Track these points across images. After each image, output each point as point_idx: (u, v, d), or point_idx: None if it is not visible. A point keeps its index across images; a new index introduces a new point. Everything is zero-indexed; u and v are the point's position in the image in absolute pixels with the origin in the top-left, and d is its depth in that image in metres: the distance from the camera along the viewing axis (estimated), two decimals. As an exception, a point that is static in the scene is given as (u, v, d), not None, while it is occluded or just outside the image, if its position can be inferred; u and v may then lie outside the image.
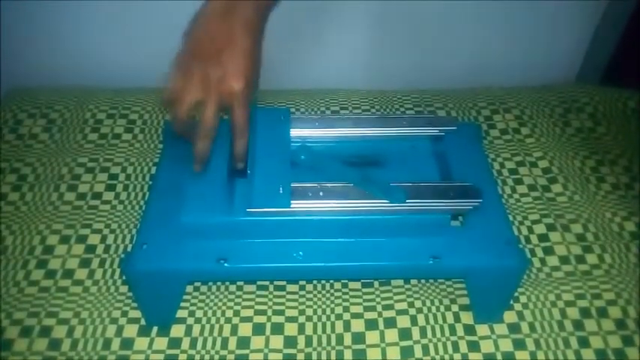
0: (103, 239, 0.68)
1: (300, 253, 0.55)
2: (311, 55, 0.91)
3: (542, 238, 0.70)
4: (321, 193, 0.56)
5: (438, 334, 0.60)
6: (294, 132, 0.63)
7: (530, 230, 0.70)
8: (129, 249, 0.67)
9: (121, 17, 0.87)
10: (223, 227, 0.55)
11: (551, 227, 0.70)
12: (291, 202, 0.54)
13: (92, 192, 0.73)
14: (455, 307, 0.63)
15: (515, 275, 0.57)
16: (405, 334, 0.60)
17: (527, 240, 0.70)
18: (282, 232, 0.55)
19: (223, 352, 0.59)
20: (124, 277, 0.63)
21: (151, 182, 0.74)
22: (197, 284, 0.64)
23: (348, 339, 0.60)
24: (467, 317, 0.62)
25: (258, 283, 0.64)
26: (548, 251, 0.68)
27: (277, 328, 0.61)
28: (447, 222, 0.57)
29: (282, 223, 0.55)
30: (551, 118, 0.86)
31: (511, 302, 0.63)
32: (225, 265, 0.54)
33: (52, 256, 0.66)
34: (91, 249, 0.67)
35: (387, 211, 0.56)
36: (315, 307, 0.63)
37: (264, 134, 0.61)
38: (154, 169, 0.76)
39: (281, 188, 0.55)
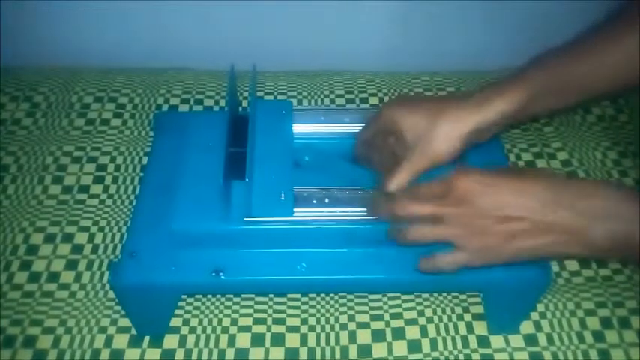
0: (91, 238, 0.63)
1: (304, 264, 0.51)
2: (314, 36, 0.85)
3: (561, 239, 0.65)
4: (326, 200, 0.51)
5: (450, 347, 0.57)
6: (298, 127, 0.57)
7: (548, 230, 0.66)
8: (118, 249, 0.63)
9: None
10: (219, 236, 0.50)
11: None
12: (294, 210, 0.50)
13: (79, 185, 0.68)
14: (468, 317, 0.59)
15: (536, 290, 0.53)
16: (414, 346, 0.57)
17: (545, 241, 0.65)
18: (283, 241, 0.51)
19: (220, 365, 0.55)
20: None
21: (141, 175, 0.69)
22: (192, 289, 0.60)
23: (353, 351, 0.56)
24: (480, 327, 0.58)
25: (258, 289, 0.60)
26: (568, 254, 0.64)
27: (278, 339, 0.57)
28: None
29: (284, 232, 0.50)
30: (571, 104, 0.80)
31: (527, 311, 0.59)
32: (222, 277, 0.50)
33: (36, 257, 0.62)
34: (77, 249, 0.63)
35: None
36: (318, 315, 0.59)
37: (263, 131, 0.55)
38: (144, 160, 0.71)
39: (283, 195, 0.50)
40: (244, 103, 0.78)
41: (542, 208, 0.43)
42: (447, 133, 0.49)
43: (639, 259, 0.42)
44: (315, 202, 0.50)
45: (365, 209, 0.50)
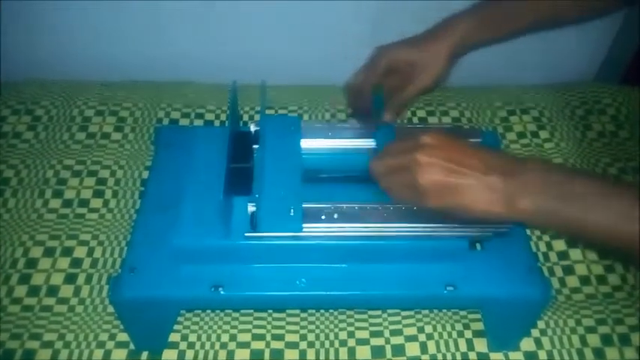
0: (90, 252, 0.63)
1: (303, 280, 0.50)
2: (316, 50, 0.85)
3: (562, 255, 0.65)
4: (335, 216, 0.50)
5: (450, 364, 0.56)
6: (306, 143, 0.57)
7: (549, 247, 0.66)
8: (117, 263, 0.62)
9: (111, 6, 0.80)
10: (219, 252, 0.50)
11: (571, 243, 0.66)
12: (303, 225, 0.49)
13: (79, 198, 0.68)
14: (468, 333, 0.58)
15: (536, 306, 0.53)
16: (414, 363, 0.56)
17: (546, 257, 0.65)
18: (283, 257, 0.51)
19: (218, 382, 0.55)
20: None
21: (142, 189, 0.69)
22: (191, 304, 0.59)
23: (353, 368, 0.56)
24: (480, 344, 0.58)
25: (257, 304, 0.60)
26: (568, 271, 0.64)
27: (277, 355, 0.57)
28: (465, 247, 0.52)
29: (288, 247, 0.50)
30: (572, 120, 0.81)
31: (528, 328, 0.59)
32: (221, 292, 0.50)
33: (35, 271, 0.62)
34: (77, 263, 0.62)
35: (404, 236, 0.50)
36: (317, 331, 0.58)
37: (272, 145, 0.55)
38: (145, 174, 0.71)
39: (292, 210, 0.50)
40: (245, 117, 0.78)
41: (486, 169, 0.46)
42: (434, 58, 0.60)
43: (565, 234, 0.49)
44: (323, 217, 0.50)
45: (366, 224, 0.50)
